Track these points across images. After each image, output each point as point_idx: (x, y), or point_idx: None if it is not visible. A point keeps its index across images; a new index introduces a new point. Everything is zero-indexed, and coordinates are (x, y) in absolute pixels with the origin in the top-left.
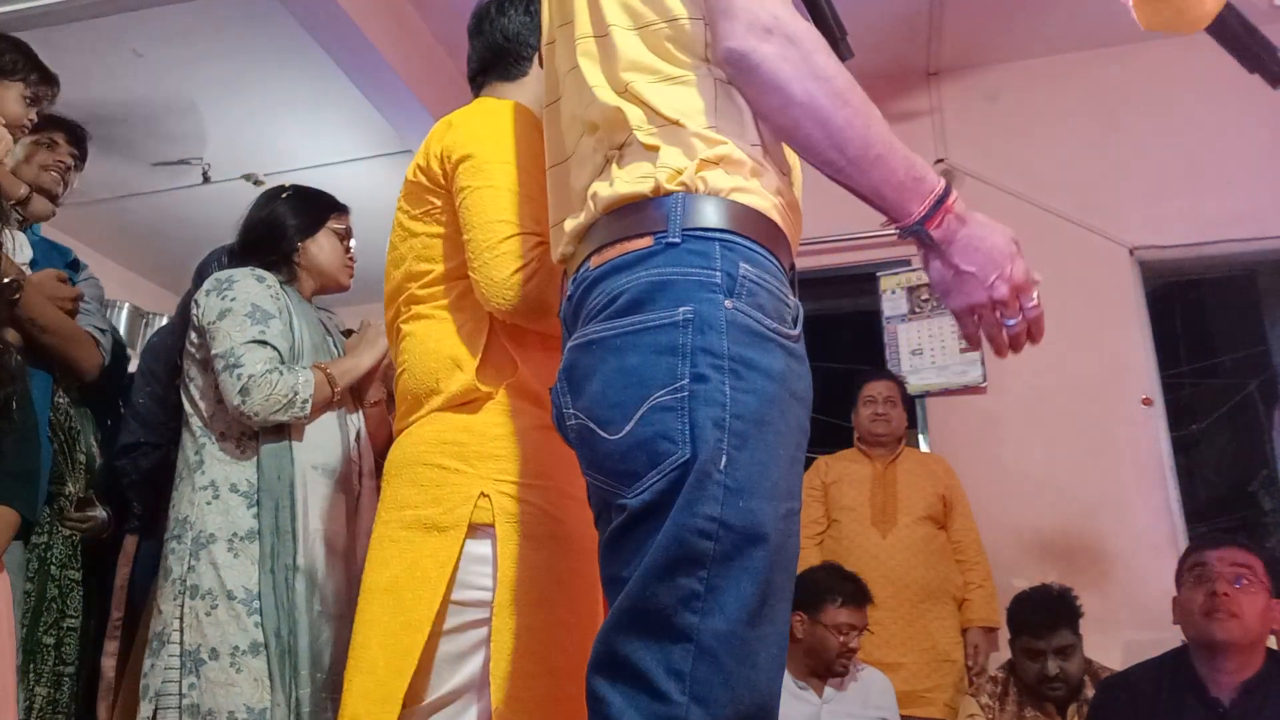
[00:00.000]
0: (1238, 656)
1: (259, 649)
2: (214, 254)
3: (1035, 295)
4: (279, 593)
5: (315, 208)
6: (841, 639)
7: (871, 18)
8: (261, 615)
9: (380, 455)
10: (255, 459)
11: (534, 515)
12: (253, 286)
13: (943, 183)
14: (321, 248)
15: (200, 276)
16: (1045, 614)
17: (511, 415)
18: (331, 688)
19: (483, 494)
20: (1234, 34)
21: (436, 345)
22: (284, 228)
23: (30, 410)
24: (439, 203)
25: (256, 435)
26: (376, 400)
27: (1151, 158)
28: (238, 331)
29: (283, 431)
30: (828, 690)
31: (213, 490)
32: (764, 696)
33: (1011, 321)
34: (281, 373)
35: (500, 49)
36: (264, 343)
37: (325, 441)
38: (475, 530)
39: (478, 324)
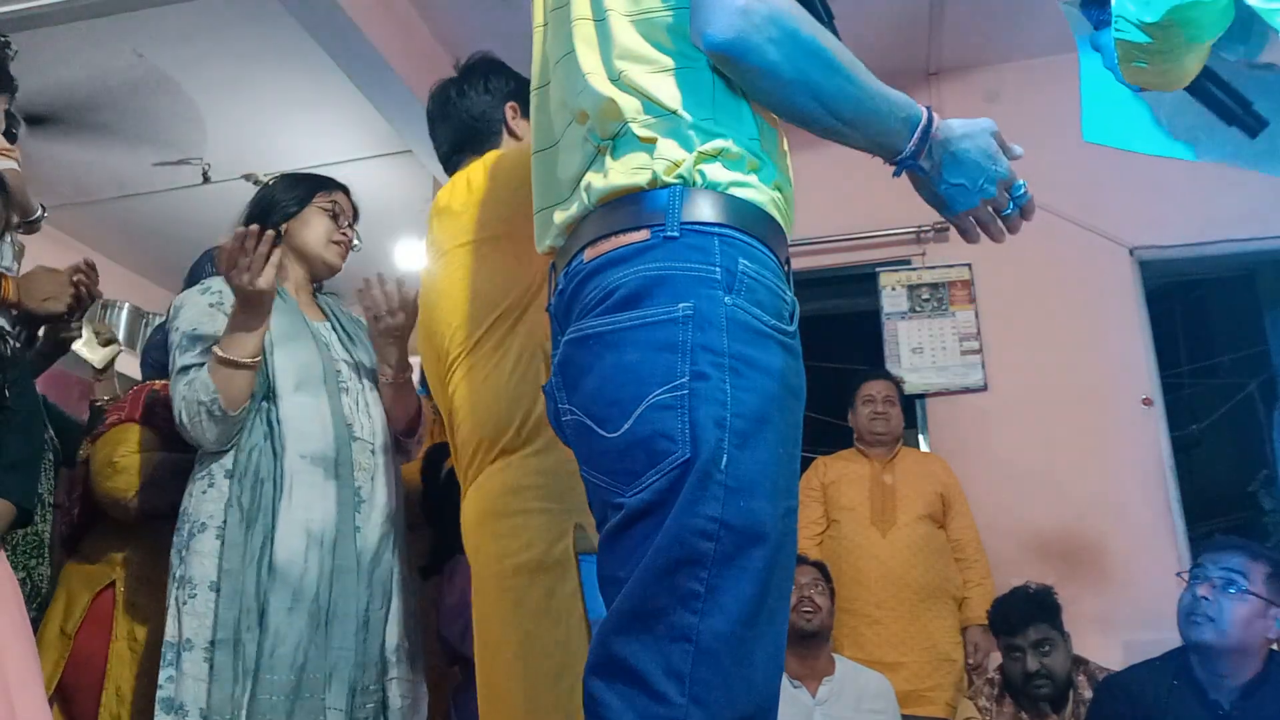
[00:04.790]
0: (1230, 659)
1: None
2: (206, 255)
3: (1022, 183)
4: (242, 586)
5: (299, 188)
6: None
7: (871, 18)
8: (218, 609)
9: (401, 433)
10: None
11: None
12: (192, 307)
13: (925, 113)
14: (306, 225)
15: (193, 278)
16: (1018, 611)
17: None
18: (290, 690)
19: (578, 525)
20: (1209, 93)
21: (495, 389)
22: (267, 217)
23: (31, 397)
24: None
25: (242, 428)
26: (402, 375)
27: (1151, 157)
28: (175, 366)
29: (255, 421)
30: (822, 690)
31: (208, 479)
32: (762, 697)
33: (1007, 211)
34: (185, 396)
35: (470, 129)
36: (186, 368)
37: (311, 429)
38: (584, 559)
39: (532, 359)
